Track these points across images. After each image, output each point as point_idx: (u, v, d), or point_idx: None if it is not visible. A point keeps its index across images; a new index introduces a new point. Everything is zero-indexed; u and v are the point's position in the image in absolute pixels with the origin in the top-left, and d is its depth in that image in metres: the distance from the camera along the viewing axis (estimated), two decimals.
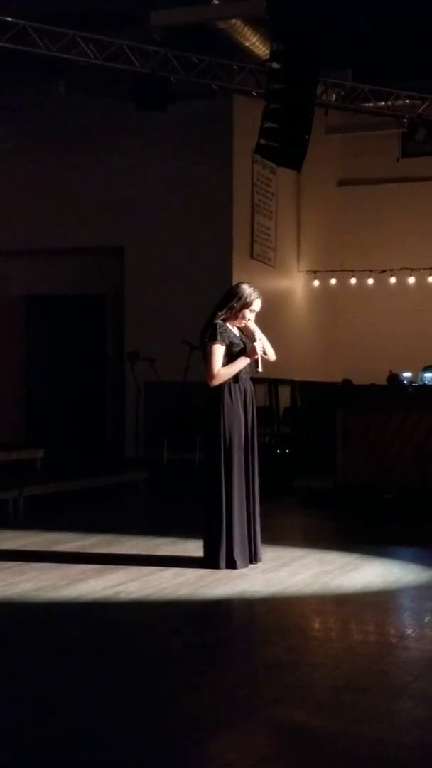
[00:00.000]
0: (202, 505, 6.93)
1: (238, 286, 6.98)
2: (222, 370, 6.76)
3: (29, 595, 5.98)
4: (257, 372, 6.89)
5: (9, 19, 10.77)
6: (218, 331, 6.77)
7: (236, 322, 6.91)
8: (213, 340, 6.75)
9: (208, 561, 6.77)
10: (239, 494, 6.80)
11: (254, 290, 6.91)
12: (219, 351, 6.76)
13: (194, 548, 7.18)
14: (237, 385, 6.85)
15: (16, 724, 3.91)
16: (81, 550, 7.51)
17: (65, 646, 5.06)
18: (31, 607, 5.78)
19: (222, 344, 6.76)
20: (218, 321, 6.82)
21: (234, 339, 6.86)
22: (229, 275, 13.09)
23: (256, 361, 6.83)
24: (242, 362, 6.82)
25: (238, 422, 6.82)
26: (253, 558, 6.87)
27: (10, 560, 7.04)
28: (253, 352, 6.81)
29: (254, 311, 6.90)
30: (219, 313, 6.85)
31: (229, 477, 6.77)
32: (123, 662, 4.78)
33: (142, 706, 4.11)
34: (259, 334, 6.90)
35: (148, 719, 3.91)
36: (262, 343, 6.86)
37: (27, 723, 3.92)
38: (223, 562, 6.71)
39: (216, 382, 6.76)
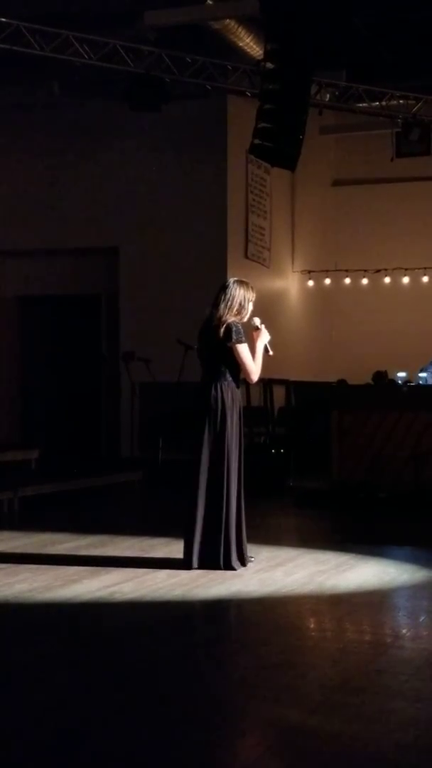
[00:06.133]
0: (208, 506, 6.85)
1: (230, 285, 6.99)
2: (256, 365, 6.95)
3: (24, 596, 5.97)
4: (269, 355, 7.10)
5: (3, 19, 10.75)
6: (241, 331, 6.86)
7: (240, 317, 6.96)
8: (240, 341, 6.84)
9: (221, 562, 6.73)
10: (237, 496, 6.84)
11: (237, 283, 6.99)
12: (247, 349, 6.91)
13: None
14: (235, 387, 6.91)
15: (10, 725, 3.90)
16: (76, 551, 7.50)
17: (60, 647, 5.06)
18: (26, 608, 5.78)
19: (245, 342, 6.90)
20: (234, 321, 6.87)
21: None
22: (224, 275, 13.03)
23: (266, 346, 7.06)
24: (261, 349, 7.04)
25: (233, 424, 6.87)
26: (243, 560, 6.88)
27: (4, 561, 7.03)
28: (259, 334, 7.04)
29: (252, 300, 7.03)
30: (230, 315, 6.87)
31: (229, 478, 6.80)
32: (117, 663, 4.78)
33: (136, 706, 4.10)
34: (265, 334, 7.09)
35: (142, 719, 3.91)
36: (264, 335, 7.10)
37: (21, 724, 3.92)
38: (237, 563, 6.74)
39: (257, 377, 6.96)
